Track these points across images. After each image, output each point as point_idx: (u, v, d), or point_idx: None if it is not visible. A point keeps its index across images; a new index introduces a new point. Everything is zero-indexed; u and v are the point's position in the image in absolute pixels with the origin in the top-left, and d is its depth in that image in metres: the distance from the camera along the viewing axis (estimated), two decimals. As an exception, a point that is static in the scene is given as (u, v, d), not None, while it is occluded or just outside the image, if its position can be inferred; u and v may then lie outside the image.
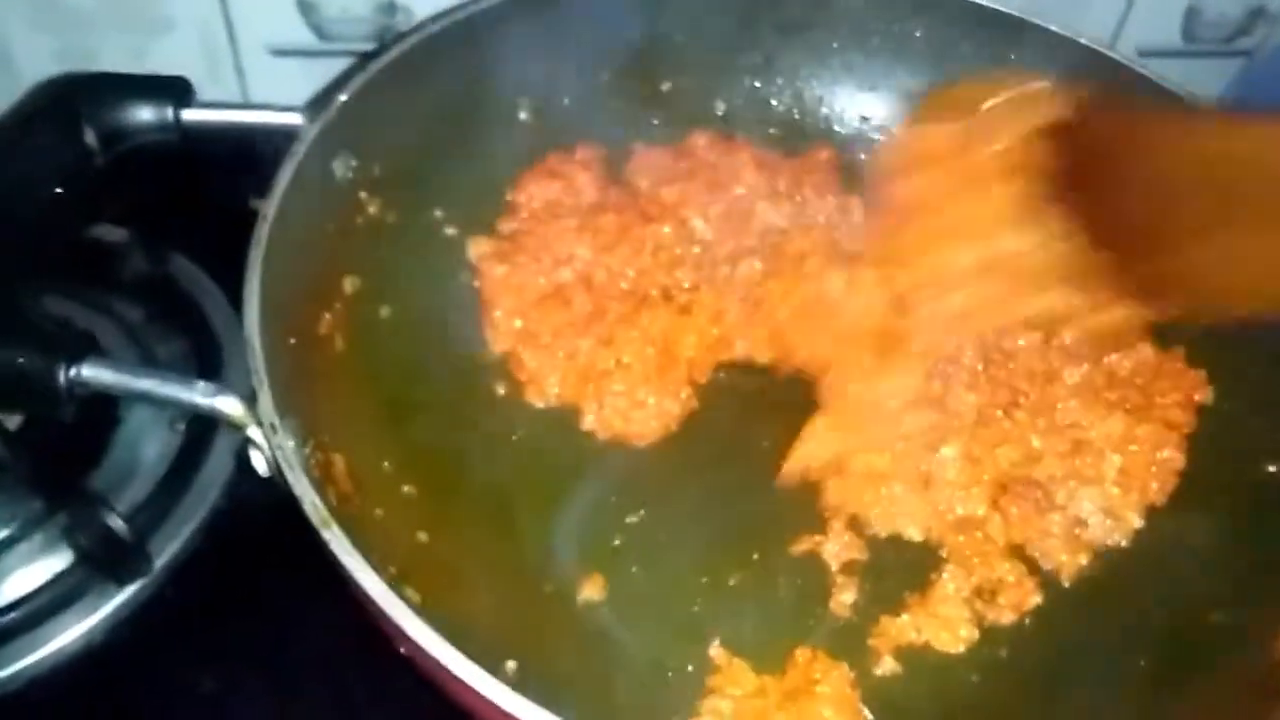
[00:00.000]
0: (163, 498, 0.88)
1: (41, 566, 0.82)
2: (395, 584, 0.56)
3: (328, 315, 0.79)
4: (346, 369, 0.79)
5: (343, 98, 0.80)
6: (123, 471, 0.89)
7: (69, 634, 0.80)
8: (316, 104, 0.79)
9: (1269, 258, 0.61)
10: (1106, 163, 0.69)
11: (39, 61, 1.12)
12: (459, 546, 0.74)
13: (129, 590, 0.83)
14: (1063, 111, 0.71)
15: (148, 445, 0.92)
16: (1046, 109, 0.71)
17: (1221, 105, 0.72)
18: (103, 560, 0.82)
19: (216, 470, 0.90)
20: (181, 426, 0.93)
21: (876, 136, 1.07)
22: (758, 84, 1.07)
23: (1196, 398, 0.83)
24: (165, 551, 0.86)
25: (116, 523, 0.81)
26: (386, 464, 0.77)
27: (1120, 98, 0.76)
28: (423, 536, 0.74)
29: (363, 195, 0.85)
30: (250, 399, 0.62)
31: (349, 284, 0.83)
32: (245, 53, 1.16)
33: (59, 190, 0.72)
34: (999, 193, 0.73)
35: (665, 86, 1.04)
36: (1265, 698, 0.63)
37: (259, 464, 0.61)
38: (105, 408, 0.93)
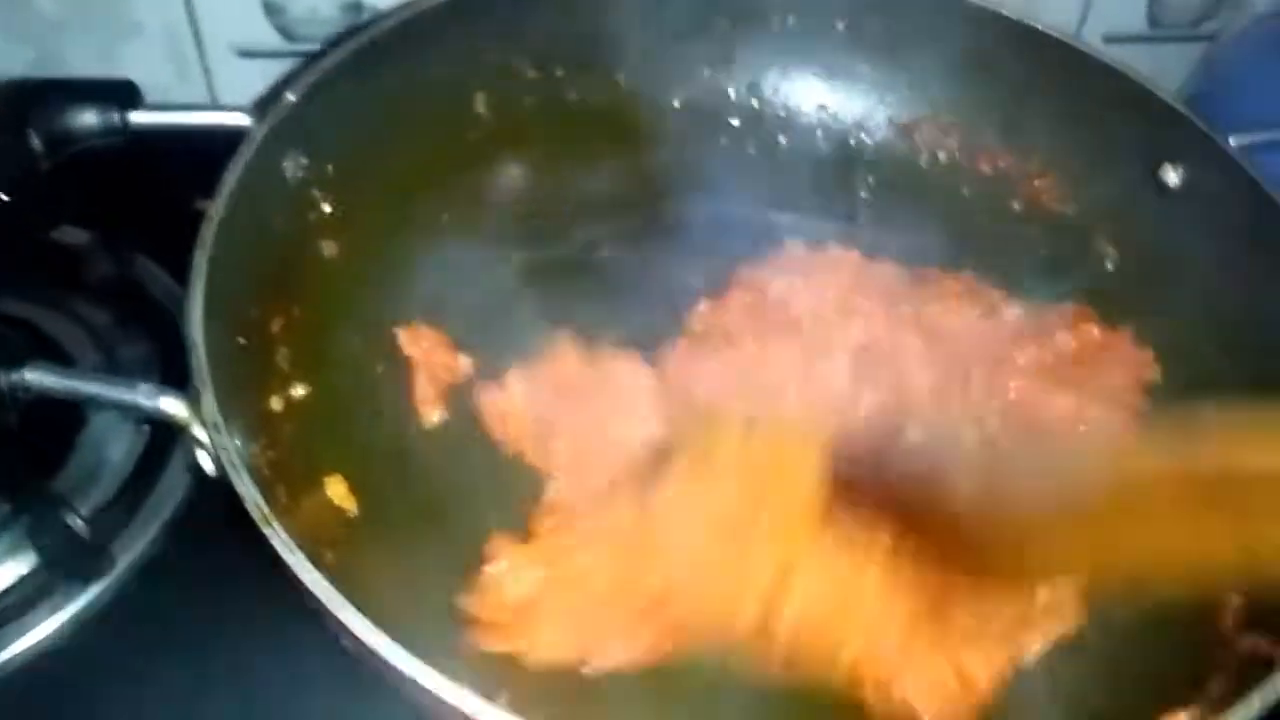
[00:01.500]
0: (126, 498, 0.88)
1: (6, 569, 0.82)
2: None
3: (280, 317, 0.79)
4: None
5: (291, 97, 0.80)
6: (87, 473, 0.89)
7: (34, 635, 0.81)
8: (265, 104, 0.80)
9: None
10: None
11: (5, 65, 1.12)
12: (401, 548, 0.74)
13: (93, 591, 0.83)
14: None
15: (113, 446, 0.92)
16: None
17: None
18: (64, 561, 0.82)
19: (181, 471, 0.91)
20: (147, 428, 0.93)
21: (834, 125, 1.07)
22: (714, 75, 1.07)
23: (1144, 377, 0.83)
24: (129, 551, 0.86)
25: (77, 523, 0.82)
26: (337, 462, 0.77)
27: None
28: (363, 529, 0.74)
29: (315, 194, 0.85)
30: (197, 400, 0.62)
31: (302, 279, 0.83)
32: (212, 55, 1.16)
33: (5, 197, 0.72)
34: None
35: (620, 78, 1.04)
36: (1211, 668, 0.64)
37: (205, 464, 0.62)
38: (70, 410, 0.93)
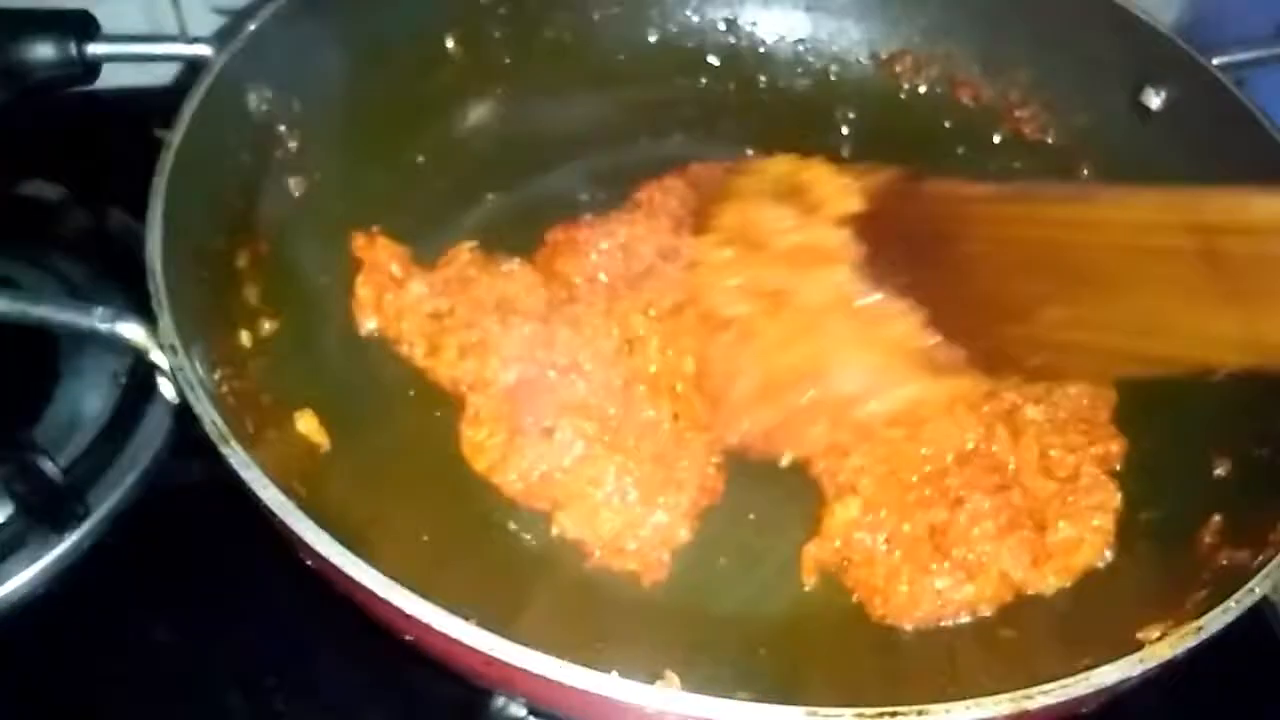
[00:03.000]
0: (103, 449, 0.88)
1: (-14, 517, 0.82)
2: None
3: (246, 251, 0.78)
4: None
5: (251, 26, 0.79)
6: (64, 424, 0.89)
7: (12, 583, 0.80)
8: (226, 34, 0.78)
9: (1115, 323, 0.62)
10: (918, 245, 0.70)
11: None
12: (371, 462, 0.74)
13: (70, 539, 0.83)
14: (860, 202, 0.74)
15: (89, 398, 0.92)
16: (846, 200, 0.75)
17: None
18: (39, 508, 0.81)
19: (157, 422, 0.90)
20: (123, 380, 0.92)
21: (811, 60, 1.05)
22: (690, 11, 1.05)
23: None
24: (106, 501, 0.86)
25: (52, 470, 0.81)
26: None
27: (915, 181, 0.74)
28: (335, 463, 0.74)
29: (281, 129, 0.84)
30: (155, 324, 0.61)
31: (269, 215, 0.82)
32: (188, 10, 1.14)
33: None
34: (825, 277, 0.74)
35: (596, 16, 1.02)
36: (1187, 588, 0.63)
37: (166, 390, 0.61)
38: (46, 362, 0.92)
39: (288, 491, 0.54)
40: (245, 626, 0.81)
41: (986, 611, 0.72)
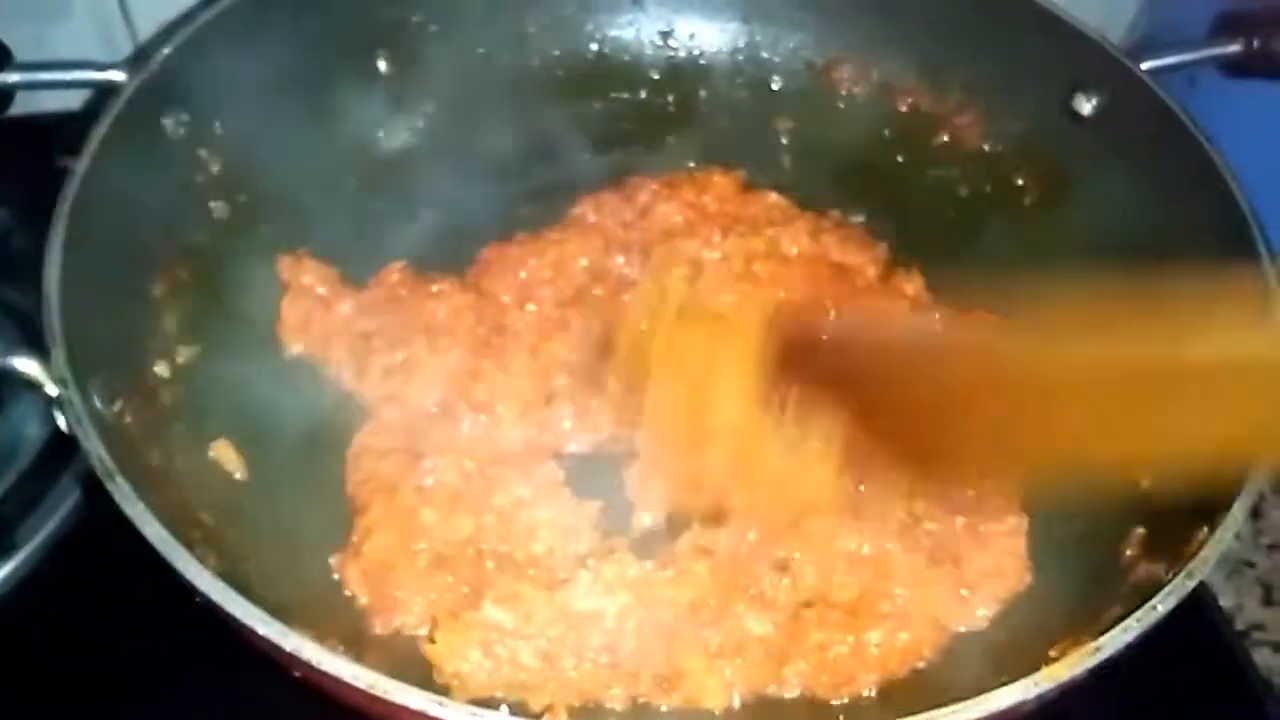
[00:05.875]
0: (33, 483, 0.86)
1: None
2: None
3: (164, 280, 0.77)
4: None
5: (166, 51, 0.78)
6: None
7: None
8: (139, 59, 0.77)
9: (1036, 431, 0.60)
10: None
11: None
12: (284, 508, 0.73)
13: (2, 571, 0.82)
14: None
15: (27, 429, 0.91)
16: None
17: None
18: (-37, 540, 0.81)
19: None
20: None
21: (750, 71, 1.05)
22: (627, 24, 1.04)
23: None
24: (39, 532, 0.85)
25: (-16, 502, 0.80)
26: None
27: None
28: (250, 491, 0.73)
29: (202, 153, 0.83)
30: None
31: (190, 241, 0.81)
32: (143, 33, 1.13)
33: None
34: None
35: (531, 30, 1.02)
36: (1105, 603, 0.62)
37: (61, 423, 0.60)
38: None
39: (175, 526, 0.53)
40: (177, 661, 0.79)
41: (928, 656, 0.71)
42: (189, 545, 0.57)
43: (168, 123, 0.80)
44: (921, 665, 0.69)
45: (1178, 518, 0.65)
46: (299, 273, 0.86)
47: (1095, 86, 0.88)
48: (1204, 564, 0.56)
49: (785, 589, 0.73)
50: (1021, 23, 0.92)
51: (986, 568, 0.73)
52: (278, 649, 0.49)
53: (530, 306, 0.87)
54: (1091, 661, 0.52)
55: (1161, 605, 0.55)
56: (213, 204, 0.84)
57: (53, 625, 0.80)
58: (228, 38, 0.83)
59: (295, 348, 0.84)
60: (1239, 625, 0.94)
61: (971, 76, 0.97)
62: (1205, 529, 0.60)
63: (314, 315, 0.85)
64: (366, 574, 0.70)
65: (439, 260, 0.91)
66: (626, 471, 0.81)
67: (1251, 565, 0.99)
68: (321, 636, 0.58)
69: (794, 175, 1.01)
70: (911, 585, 0.72)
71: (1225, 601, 0.95)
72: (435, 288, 0.87)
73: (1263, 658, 0.93)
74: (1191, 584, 0.56)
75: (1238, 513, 0.59)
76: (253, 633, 0.50)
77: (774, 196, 0.97)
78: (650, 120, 1.04)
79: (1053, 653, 0.59)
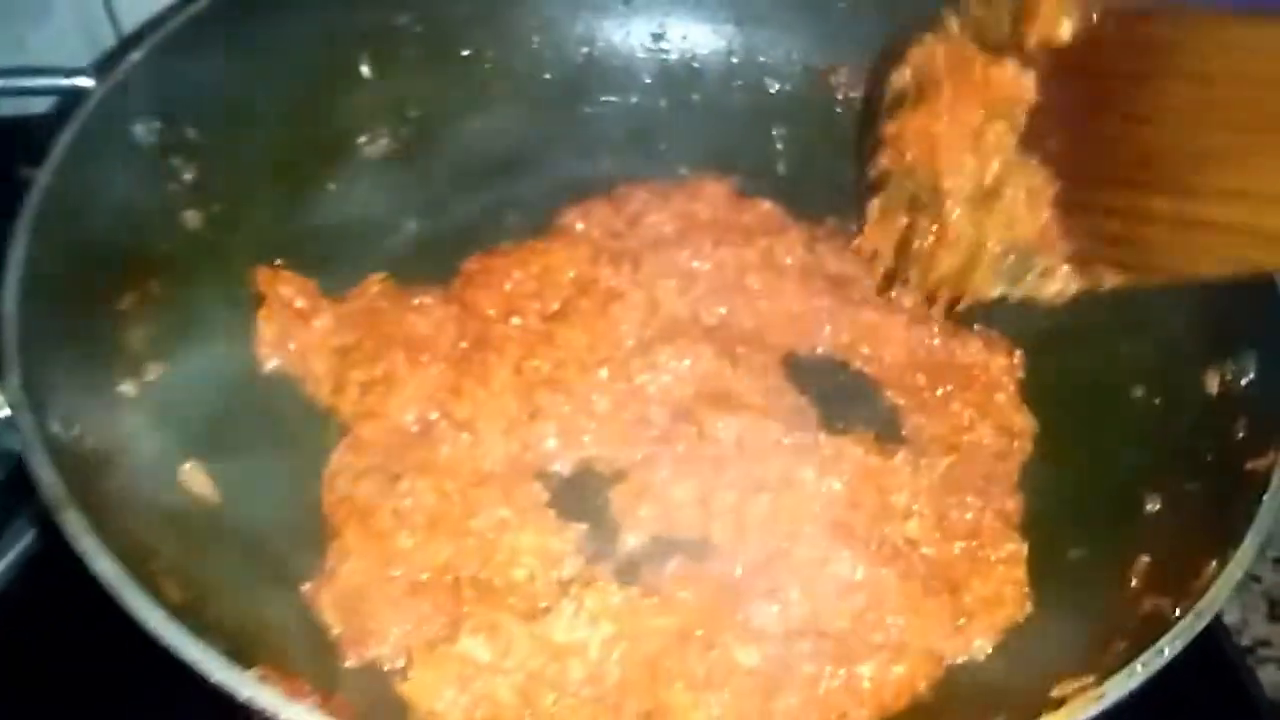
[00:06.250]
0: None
1: None
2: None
3: (133, 293, 0.74)
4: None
5: (135, 56, 0.75)
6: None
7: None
8: (107, 65, 0.75)
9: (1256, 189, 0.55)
10: (1099, 91, 0.63)
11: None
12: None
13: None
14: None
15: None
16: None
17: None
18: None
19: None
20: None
21: (745, 74, 1.02)
22: (618, 27, 1.01)
23: None
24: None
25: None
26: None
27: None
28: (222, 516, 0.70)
29: (175, 161, 0.80)
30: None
31: (161, 252, 0.78)
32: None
33: None
34: (993, 129, 0.68)
35: (518, 33, 0.99)
36: (1110, 637, 0.59)
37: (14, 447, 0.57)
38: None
39: (134, 556, 0.51)
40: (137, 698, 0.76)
41: (923, 691, 0.68)
42: (148, 576, 0.54)
43: (138, 130, 0.77)
44: (916, 700, 0.66)
45: (1185, 547, 0.63)
46: (276, 285, 0.83)
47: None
48: (1213, 603, 0.54)
49: (775, 617, 0.70)
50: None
51: (985, 596, 0.70)
52: (232, 695, 0.46)
53: (515, 320, 0.84)
54: (1094, 709, 0.49)
55: (1169, 649, 0.52)
56: (185, 214, 0.81)
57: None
58: (202, 42, 0.80)
59: (271, 363, 0.81)
60: (1244, 641, 0.92)
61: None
62: (1215, 562, 0.57)
63: (291, 329, 0.82)
64: (340, 602, 0.68)
65: (422, 271, 0.88)
66: (612, 491, 0.78)
67: (1258, 580, 0.96)
68: (290, 673, 0.56)
69: (789, 182, 0.98)
70: (906, 614, 0.69)
71: (1230, 617, 0.93)
72: (416, 300, 0.84)
73: (1268, 675, 0.90)
74: (1201, 624, 0.53)
75: (1249, 547, 0.56)
76: (207, 677, 0.47)
77: (767, 205, 0.94)
78: (642, 125, 1.01)
79: (1054, 693, 0.56)
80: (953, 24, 0.70)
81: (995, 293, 0.70)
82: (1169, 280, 0.63)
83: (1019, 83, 0.67)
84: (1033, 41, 0.66)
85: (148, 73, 0.76)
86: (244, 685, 0.46)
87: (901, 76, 0.72)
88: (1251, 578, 0.96)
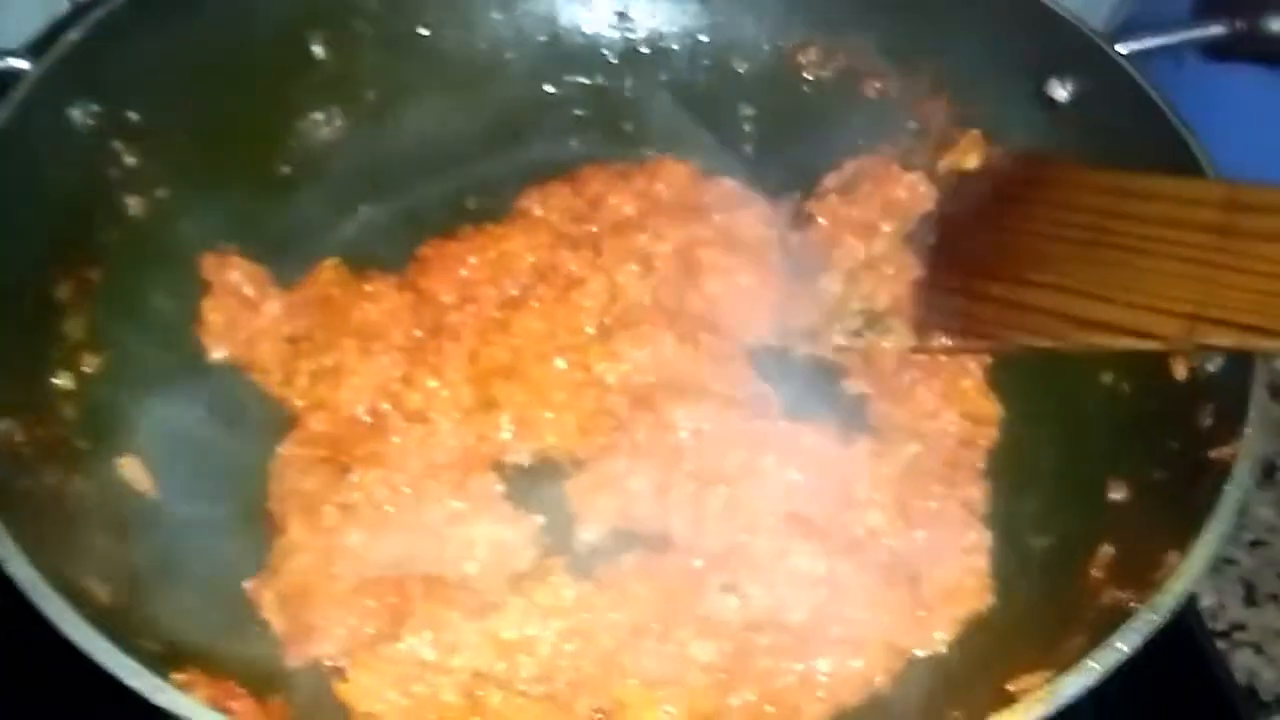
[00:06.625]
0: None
1: None
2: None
3: (69, 282, 0.72)
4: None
5: (73, 36, 0.73)
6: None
7: None
8: (42, 45, 0.72)
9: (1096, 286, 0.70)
10: (992, 203, 0.81)
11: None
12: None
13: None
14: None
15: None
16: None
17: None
18: None
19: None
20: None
21: (712, 53, 0.99)
22: (581, 4, 0.99)
23: None
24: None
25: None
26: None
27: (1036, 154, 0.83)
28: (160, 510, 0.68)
29: (116, 145, 0.77)
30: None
31: (101, 239, 0.76)
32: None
33: None
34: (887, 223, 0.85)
35: (478, 11, 0.96)
36: (1068, 630, 0.58)
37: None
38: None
39: (62, 556, 0.49)
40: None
41: (881, 683, 0.66)
42: (76, 578, 0.52)
43: (75, 113, 0.74)
44: (874, 695, 0.65)
45: (1148, 537, 0.61)
46: (224, 271, 0.81)
47: (1071, 72, 0.83)
48: (1172, 598, 0.52)
49: (734, 610, 0.68)
50: (995, 4, 0.86)
51: (946, 586, 0.69)
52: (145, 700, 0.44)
53: (470, 307, 0.82)
54: (1047, 708, 0.48)
55: (1124, 644, 0.50)
56: (128, 199, 0.79)
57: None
58: (144, 20, 0.78)
59: (218, 352, 0.79)
60: (1220, 626, 0.91)
61: (941, 60, 0.91)
62: (1176, 553, 0.56)
63: (239, 317, 0.80)
64: (283, 599, 0.66)
65: (377, 257, 0.86)
66: (570, 482, 0.76)
67: (1233, 563, 0.95)
68: (221, 675, 0.55)
69: (757, 163, 0.96)
70: (866, 607, 0.67)
71: (1206, 600, 0.92)
72: (369, 287, 0.82)
73: (1244, 659, 0.89)
74: (1158, 619, 0.51)
75: (1210, 540, 0.54)
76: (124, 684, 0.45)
77: (729, 183, 0.92)
78: (607, 106, 0.99)
79: (1010, 686, 0.54)
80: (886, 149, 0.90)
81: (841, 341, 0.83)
82: (986, 350, 0.79)
83: (920, 192, 0.85)
84: (943, 167, 0.86)
85: (85, 53, 0.74)
86: (160, 692, 0.44)
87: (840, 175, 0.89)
88: (1228, 561, 0.95)
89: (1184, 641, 0.82)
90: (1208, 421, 0.65)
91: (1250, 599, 0.93)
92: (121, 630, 0.50)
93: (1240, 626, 0.92)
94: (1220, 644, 0.90)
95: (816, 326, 0.85)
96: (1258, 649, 0.90)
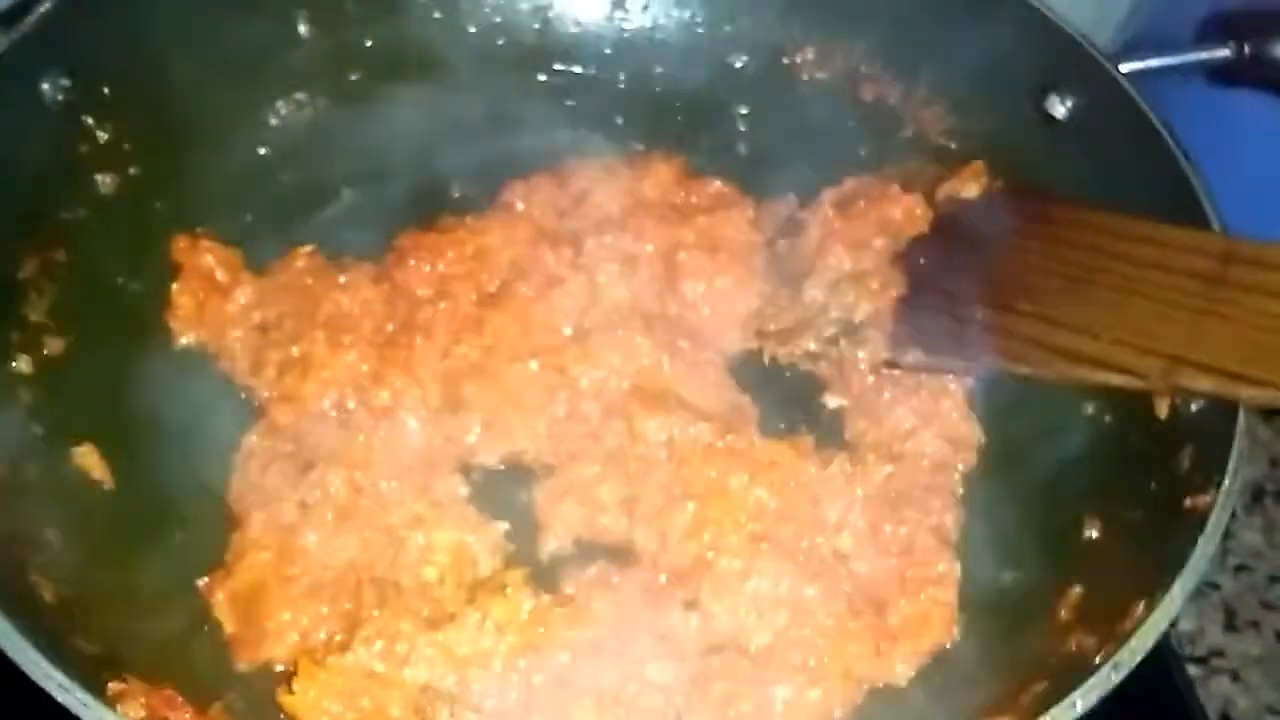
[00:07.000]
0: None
1: None
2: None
3: (34, 261, 0.70)
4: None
5: (44, 6, 0.70)
6: None
7: None
8: (12, 16, 0.70)
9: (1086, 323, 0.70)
10: (987, 231, 0.81)
11: None
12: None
13: None
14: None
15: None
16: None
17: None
18: None
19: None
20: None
21: (708, 49, 0.97)
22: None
23: None
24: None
25: None
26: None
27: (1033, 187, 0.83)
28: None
29: (88, 120, 0.75)
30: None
31: (69, 218, 0.74)
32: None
33: None
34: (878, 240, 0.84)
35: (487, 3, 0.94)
36: (1031, 674, 0.57)
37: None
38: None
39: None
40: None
41: (838, 716, 0.65)
42: (21, 575, 0.51)
43: (45, 87, 0.72)
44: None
45: (1118, 581, 0.60)
46: (196, 255, 0.79)
47: (1071, 88, 0.82)
48: (1132, 654, 0.51)
49: (694, 630, 0.67)
50: (997, 15, 0.84)
51: (912, 617, 0.67)
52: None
53: (445, 303, 0.80)
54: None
55: (1083, 701, 0.49)
56: (98, 177, 0.77)
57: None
58: (119, -7, 0.75)
59: (186, 338, 0.78)
60: (1198, 651, 0.90)
61: (941, 68, 0.89)
62: (1143, 604, 0.55)
63: (209, 302, 0.78)
64: (236, 598, 0.65)
65: (357, 245, 0.84)
66: (537, 488, 0.75)
67: (1216, 587, 0.94)
68: (159, 683, 0.54)
69: (749, 164, 0.94)
70: (829, 634, 0.66)
71: (1185, 625, 0.91)
72: (343, 277, 0.80)
73: (1220, 686, 0.89)
74: (1118, 677, 0.50)
75: (1177, 594, 0.53)
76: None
77: (718, 183, 0.90)
78: (598, 98, 0.97)
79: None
80: (890, 170, 0.89)
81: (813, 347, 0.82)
82: (962, 370, 0.79)
83: (917, 214, 0.84)
84: (943, 193, 0.85)
85: (57, 24, 0.72)
86: (86, 709, 0.43)
87: (839, 191, 0.88)
88: (1210, 585, 0.94)
89: (1157, 666, 0.81)
90: (1186, 464, 0.64)
91: (1230, 625, 0.93)
92: (60, 631, 0.49)
93: (1218, 653, 0.91)
94: (1197, 670, 0.89)
95: (792, 331, 0.83)
96: (1234, 676, 0.90)
